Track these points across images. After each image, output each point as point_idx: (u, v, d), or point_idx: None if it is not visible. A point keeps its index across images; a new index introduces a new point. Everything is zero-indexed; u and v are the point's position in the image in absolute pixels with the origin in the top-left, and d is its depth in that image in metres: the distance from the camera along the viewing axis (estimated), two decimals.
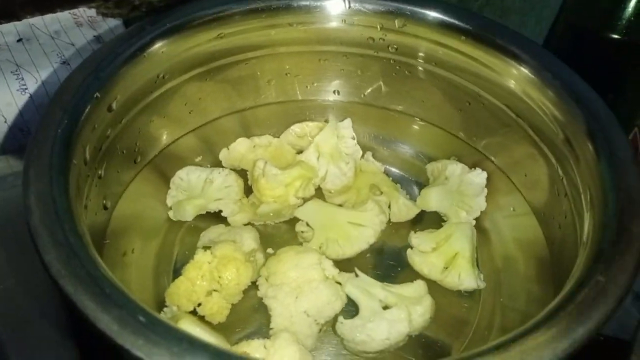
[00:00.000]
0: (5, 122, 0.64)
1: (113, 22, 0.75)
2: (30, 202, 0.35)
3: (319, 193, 0.56)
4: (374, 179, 0.56)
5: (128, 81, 0.46)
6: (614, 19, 0.66)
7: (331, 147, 0.56)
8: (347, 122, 0.58)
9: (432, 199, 0.54)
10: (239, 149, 0.56)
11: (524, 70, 0.48)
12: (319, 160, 0.56)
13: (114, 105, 0.45)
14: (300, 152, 0.58)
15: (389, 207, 0.54)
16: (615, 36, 0.66)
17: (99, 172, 0.45)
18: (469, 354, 0.29)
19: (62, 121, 0.40)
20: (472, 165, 0.55)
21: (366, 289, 0.46)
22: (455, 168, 0.54)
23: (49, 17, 0.74)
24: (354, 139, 0.58)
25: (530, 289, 0.46)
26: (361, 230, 0.50)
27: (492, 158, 0.54)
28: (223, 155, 0.57)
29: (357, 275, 0.48)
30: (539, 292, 0.45)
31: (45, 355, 0.43)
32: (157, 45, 0.48)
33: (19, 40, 0.71)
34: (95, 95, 0.43)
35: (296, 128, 0.58)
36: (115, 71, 0.45)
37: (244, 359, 0.30)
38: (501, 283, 0.49)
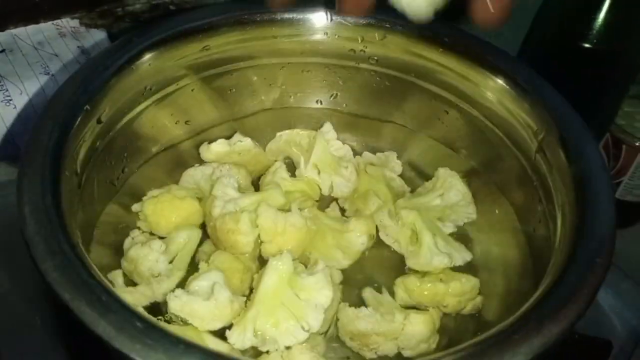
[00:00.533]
0: None
1: (97, 33, 0.76)
2: (25, 212, 0.35)
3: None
4: (374, 185, 0.57)
5: (117, 93, 0.47)
6: (586, 29, 0.69)
7: (329, 160, 0.57)
8: (327, 126, 0.59)
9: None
10: (217, 150, 0.57)
11: (499, 81, 0.50)
12: (320, 176, 0.57)
13: (102, 117, 0.46)
14: (287, 158, 0.60)
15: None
16: (587, 45, 0.68)
17: (89, 183, 0.46)
18: (444, 353, 0.31)
19: (52, 133, 0.41)
20: (455, 169, 0.57)
21: None
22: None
23: (32, 27, 0.74)
24: (338, 140, 0.59)
25: (510, 287, 0.48)
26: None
27: (474, 163, 0.56)
28: (202, 151, 0.57)
29: None
30: (519, 290, 0.47)
31: None
32: (145, 57, 0.49)
33: (2, 51, 0.71)
34: (85, 108, 0.44)
35: (285, 135, 0.59)
36: (104, 84, 0.46)
37: None
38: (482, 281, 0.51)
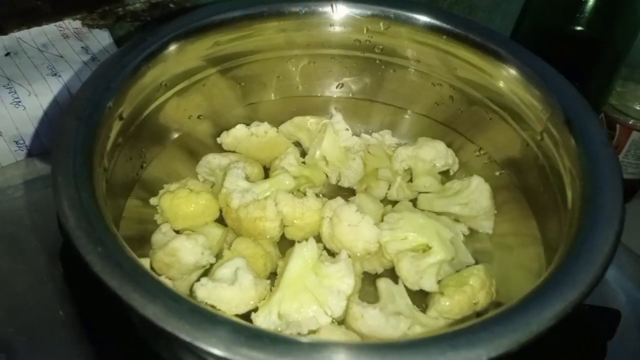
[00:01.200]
0: (1, 135, 0.65)
1: (99, 33, 0.76)
2: (64, 208, 0.37)
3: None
4: (380, 163, 0.59)
5: (135, 90, 0.49)
6: (576, 14, 0.71)
7: (337, 152, 0.59)
8: (337, 116, 0.61)
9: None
10: (236, 135, 0.59)
11: (505, 66, 0.52)
12: (329, 166, 0.59)
13: (124, 114, 0.48)
14: (296, 143, 0.62)
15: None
16: (578, 29, 0.70)
17: (114, 177, 0.47)
18: (472, 323, 0.33)
19: (79, 131, 0.42)
20: (459, 149, 0.59)
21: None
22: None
23: (35, 30, 0.75)
24: (348, 130, 0.61)
25: (523, 263, 0.51)
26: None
27: (480, 144, 0.58)
28: (222, 138, 0.59)
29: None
30: (531, 267, 0.49)
31: None
32: (160, 55, 0.51)
33: (7, 54, 0.72)
34: (108, 105, 0.45)
35: (296, 120, 0.62)
36: (124, 81, 0.47)
37: (298, 342, 0.33)
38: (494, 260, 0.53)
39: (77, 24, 0.77)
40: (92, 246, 0.35)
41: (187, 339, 0.32)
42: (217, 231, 0.53)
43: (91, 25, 0.77)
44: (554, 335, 0.40)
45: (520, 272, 0.51)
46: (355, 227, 0.51)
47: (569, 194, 0.44)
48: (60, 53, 0.73)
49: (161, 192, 0.54)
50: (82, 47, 0.74)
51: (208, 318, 0.32)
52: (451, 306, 0.48)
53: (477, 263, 0.53)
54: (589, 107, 0.47)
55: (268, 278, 0.50)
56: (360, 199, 0.55)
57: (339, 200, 0.53)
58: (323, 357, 0.31)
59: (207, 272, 0.49)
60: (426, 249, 0.52)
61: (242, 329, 0.32)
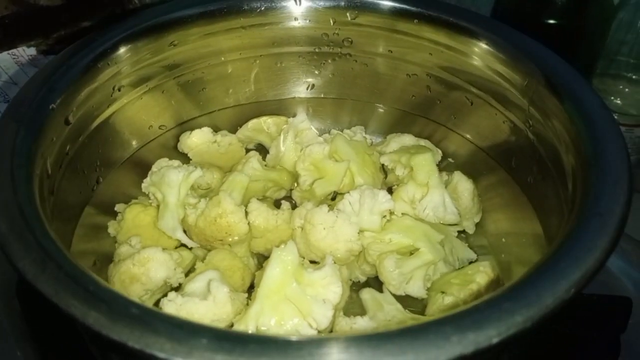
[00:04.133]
0: None
1: None
2: None
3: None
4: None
5: (83, 93, 0.44)
6: (551, 4, 0.69)
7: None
8: (301, 115, 0.57)
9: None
10: (195, 139, 0.55)
11: (479, 43, 0.49)
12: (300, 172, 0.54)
13: (70, 118, 0.43)
14: (259, 145, 0.58)
15: None
16: (552, 21, 0.69)
17: (61, 190, 0.42)
18: (491, 296, 0.28)
19: (19, 132, 0.38)
20: (439, 141, 0.56)
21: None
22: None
23: None
24: (311, 129, 0.57)
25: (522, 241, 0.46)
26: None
27: (463, 133, 0.54)
28: (183, 138, 0.55)
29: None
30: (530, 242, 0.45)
31: None
32: (111, 56, 0.47)
33: None
34: (50, 107, 0.41)
35: (251, 123, 0.58)
36: (69, 83, 0.43)
37: (248, 336, 0.28)
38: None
39: (32, 50, 0.73)
40: (25, 252, 0.30)
41: (139, 346, 0.26)
42: (186, 254, 0.48)
43: (46, 51, 0.73)
44: (565, 326, 0.36)
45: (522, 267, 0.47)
46: (331, 229, 0.46)
47: (568, 167, 0.40)
48: (13, 80, 0.69)
49: (117, 208, 0.50)
50: None
51: (162, 321, 0.27)
52: (455, 305, 0.43)
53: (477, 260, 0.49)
54: (575, 71, 0.43)
55: (246, 292, 0.45)
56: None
57: (307, 205, 0.48)
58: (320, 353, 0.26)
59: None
60: (413, 251, 0.47)
61: (203, 330, 0.27)
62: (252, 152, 0.55)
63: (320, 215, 0.46)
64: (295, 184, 0.55)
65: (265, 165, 0.55)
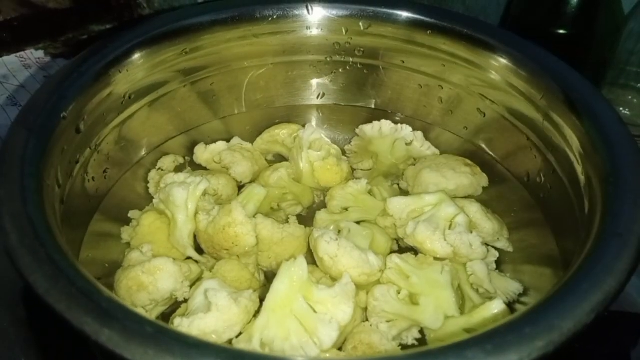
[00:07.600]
0: None
1: (63, 62, 0.72)
2: (5, 224, 0.31)
3: None
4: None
5: (94, 101, 0.44)
6: (560, 15, 0.69)
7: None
8: (310, 128, 0.56)
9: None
10: (214, 151, 0.55)
11: (495, 56, 0.49)
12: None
13: (82, 127, 0.43)
14: (278, 155, 0.58)
15: None
16: (562, 31, 0.68)
17: (71, 198, 0.42)
18: (511, 320, 0.28)
19: (29, 141, 0.37)
20: (459, 152, 0.55)
21: None
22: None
23: None
24: (322, 138, 0.56)
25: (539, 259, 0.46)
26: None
27: (481, 144, 0.54)
28: (197, 151, 0.55)
29: None
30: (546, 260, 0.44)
31: None
32: (122, 63, 0.46)
33: None
34: (62, 115, 0.40)
35: (265, 136, 0.57)
36: (80, 91, 0.42)
37: (260, 357, 0.27)
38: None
39: (40, 53, 0.73)
40: (37, 266, 0.29)
41: None
42: (195, 267, 0.47)
43: (54, 54, 0.73)
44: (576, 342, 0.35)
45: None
46: (335, 258, 0.44)
47: (584, 182, 0.39)
48: (21, 83, 0.69)
49: (131, 215, 0.49)
50: (44, 77, 0.70)
51: (176, 340, 0.27)
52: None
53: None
54: (591, 85, 0.43)
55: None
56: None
57: (315, 232, 0.46)
58: None
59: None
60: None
61: (216, 350, 0.27)
62: (285, 163, 0.55)
63: (322, 245, 0.44)
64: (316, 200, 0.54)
65: (293, 179, 0.54)
